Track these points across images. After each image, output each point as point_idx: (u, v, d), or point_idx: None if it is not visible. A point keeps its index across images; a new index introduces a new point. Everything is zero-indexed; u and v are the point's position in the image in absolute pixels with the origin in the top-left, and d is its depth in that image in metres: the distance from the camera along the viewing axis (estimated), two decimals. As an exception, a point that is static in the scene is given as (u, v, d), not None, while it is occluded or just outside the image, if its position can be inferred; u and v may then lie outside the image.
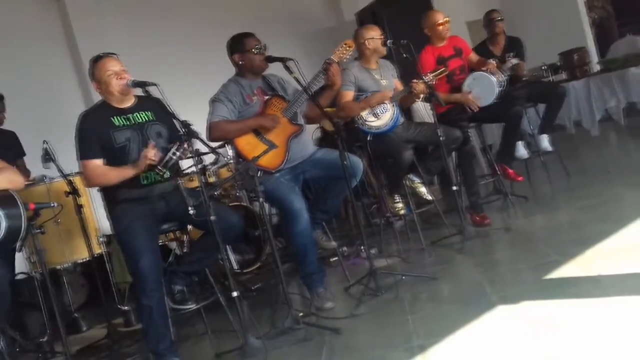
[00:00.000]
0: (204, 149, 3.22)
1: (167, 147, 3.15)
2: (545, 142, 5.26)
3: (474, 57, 4.90)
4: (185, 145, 3.02)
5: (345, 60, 3.88)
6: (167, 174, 3.15)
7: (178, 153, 3.04)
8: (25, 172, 4.72)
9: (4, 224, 2.61)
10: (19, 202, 2.68)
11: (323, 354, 2.88)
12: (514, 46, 5.21)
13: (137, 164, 3.14)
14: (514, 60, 4.93)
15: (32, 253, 4.04)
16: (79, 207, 4.01)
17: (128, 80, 3.24)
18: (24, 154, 4.83)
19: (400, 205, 4.55)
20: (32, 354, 4.00)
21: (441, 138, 4.06)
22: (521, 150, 5.25)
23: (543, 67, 7.06)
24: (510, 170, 4.92)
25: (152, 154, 3.09)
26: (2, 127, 4.85)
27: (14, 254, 4.00)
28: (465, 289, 3.35)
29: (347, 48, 3.80)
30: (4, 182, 2.77)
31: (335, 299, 3.64)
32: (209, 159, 4.52)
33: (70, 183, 4.01)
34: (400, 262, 4.14)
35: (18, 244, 2.76)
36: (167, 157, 3.06)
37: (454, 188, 4.30)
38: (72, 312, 4.54)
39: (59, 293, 4.47)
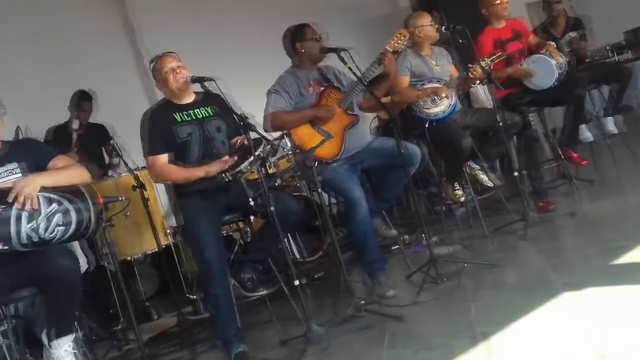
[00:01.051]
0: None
1: (231, 145, 3.23)
2: (610, 124, 5.12)
3: (533, 40, 4.78)
4: (257, 154, 3.06)
5: (400, 50, 3.89)
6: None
7: (249, 166, 3.09)
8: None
9: (74, 218, 2.75)
10: (86, 196, 2.81)
11: (385, 341, 2.90)
12: (575, 27, 5.05)
13: (209, 167, 3.19)
14: (572, 34, 4.77)
15: (104, 245, 4.20)
16: (145, 201, 4.15)
17: (187, 76, 3.33)
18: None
19: (460, 192, 4.52)
20: (107, 341, 4.17)
21: (500, 123, 4.01)
22: (586, 134, 5.13)
23: (607, 47, 6.80)
24: (575, 154, 4.80)
25: (222, 167, 3.13)
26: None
27: (95, 246, 4.19)
28: (529, 275, 3.30)
29: (402, 38, 3.79)
30: (72, 178, 2.92)
31: (397, 286, 3.65)
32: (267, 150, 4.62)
33: (136, 178, 4.15)
34: (462, 250, 4.10)
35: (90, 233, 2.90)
36: (241, 168, 3.10)
37: (515, 174, 4.23)
38: (144, 301, 4.70)
39: (131, 283, 4.63)
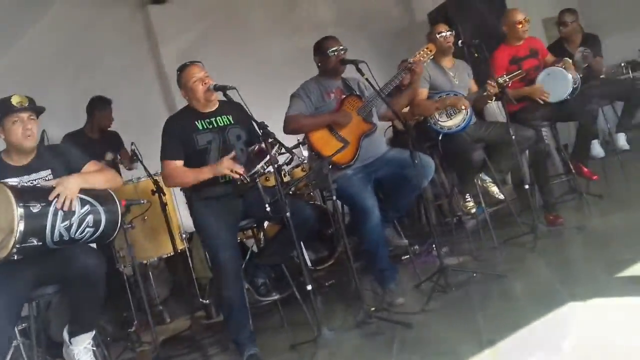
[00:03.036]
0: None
1: (249, 152, 3.32)
2: (622, 140, 5.13)
3: (550, 58, 4.82)
4: (272, 154, 3.15)
5: (424, 64, 3.99)
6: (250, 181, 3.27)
7: (266, 166, 3.19)
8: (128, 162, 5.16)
9: (104, 219, 2.86)
10: (115, 199, 2.93)
11: (394, 347, 2.96)
12: (591, 44, 5.10)
13: (216, 167, 3.30)
14: (585, 50, 4.82)
15: (122, 248, 4.28)
16: (163, 205, 4.24)
17: (209, 84, 3.44)
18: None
19: (471, 204, 4.58)
20: (121, 342, 4.25)
21: (513, 137, 4.07)
22: (597, 149, 5.16)
23: (622, 65, 6.83)
24: (586, 169, 4.84)
25: (232, 165, 3.24)
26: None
27: (111, 248, 4.28)
28: (536, 286, 3.36)
29: (428, 52, 3.89)
30: (106, 182, 3.05)
31: (406, 295, 3.71)
32: (283, 159, 4.70)
33: (155, 182, 4.24)
34: (471, 261, 4.17)
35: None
36: (256, 169, 3.20)
37: (526, 187, 4.28)
38: (157, 304, 4.77)
39: (145, 286, 4.70)
